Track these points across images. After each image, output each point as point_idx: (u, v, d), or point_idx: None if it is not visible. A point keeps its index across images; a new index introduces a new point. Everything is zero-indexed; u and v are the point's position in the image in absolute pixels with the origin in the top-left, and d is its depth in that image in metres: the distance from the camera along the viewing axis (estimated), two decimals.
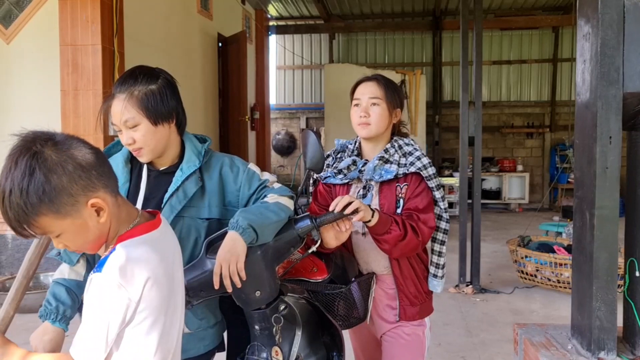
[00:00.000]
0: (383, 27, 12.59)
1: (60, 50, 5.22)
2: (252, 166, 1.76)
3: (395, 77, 10.37)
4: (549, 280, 5.08)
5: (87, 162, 1.12)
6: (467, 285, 5.22)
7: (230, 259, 1.51)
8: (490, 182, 11.19)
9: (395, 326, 1.99)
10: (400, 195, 1.92)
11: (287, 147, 13.29)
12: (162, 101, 1.60)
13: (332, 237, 1.75)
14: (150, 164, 1.71)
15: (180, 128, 1.71)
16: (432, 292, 2.06)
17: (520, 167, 11.40)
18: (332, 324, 1.76)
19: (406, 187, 1.92)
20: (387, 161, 1.95)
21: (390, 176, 1.92)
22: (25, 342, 1.67)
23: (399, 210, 1.91)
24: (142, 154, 1.63)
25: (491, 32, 11.95)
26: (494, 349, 3.80)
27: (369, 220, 1.76)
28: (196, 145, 1.72)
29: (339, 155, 2.09)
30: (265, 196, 1.69)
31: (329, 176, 2.02)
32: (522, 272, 5.27)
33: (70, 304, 1.64)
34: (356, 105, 1.99)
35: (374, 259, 1.99)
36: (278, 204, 1.66)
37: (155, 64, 1.74)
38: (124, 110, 1.57)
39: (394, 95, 2.01)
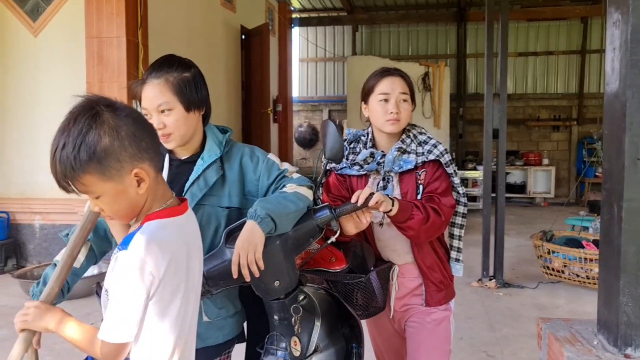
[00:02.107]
0: (407, 18, 12.47)
1: (86, 42, 5.29)
2: (272, 156, 1.77)
3: (418, 69, 10.27)
4: (578, 276, 4.98)
5: (139, 133, 1.17)
6: (490, 280, 5.16)
7: (248, 248, 1.51)
8: (515, 176, 11.03)
9: (422, 311, 1.98)
10: (420, 181, 1.93)
11: (310, 140, 13.29)
12: (196, 89, 1.65)
13: (352, 227, 1.75)
14: (171, 153, 1.73)
15: (206, 119, 1.74)
16: (453, 276, 2.07)
17: (546, 161, 11.20)
18: (351, 315, 1.74)
19: (425, 173, 1.93)
20: (404, 151, 1.95)
21: (410, 166, 1.92)
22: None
23: (419, 196, 1.91)
24: (170, 139, 1.64)
25: (517, 23, 11.74)
26: (517, 344, 3.75)
27: (390, 210, 1.74)
28: (217, 135, 1.74)
29: (351, 145, 2.07)
30: (284, 186, 1.69)
31: (344, 167, 2.01)
32: (548, 267, 5.18)
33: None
34: (384, 100, 1.95)
35: (395, 249, 1.97)
36: (297, 193, 1.65)
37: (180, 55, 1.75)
38: (159, 94, 1.60)
39: (413, 89, 2.04)
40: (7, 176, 5.75)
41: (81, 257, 1.72)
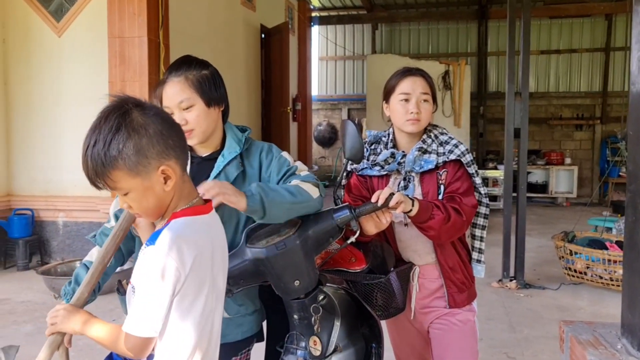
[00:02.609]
0: (427, 16, 12.39)
1: (108, 42, 5.35)
2: (285, 154, 1.78)
3: (439, 67, 10.20)
4: (601, 278, 4.90)
5: (166, 131, 1.21)
6: (511, 280, 5.11)
7: (220, 186, 1.49)
8: (537, 176, 10.89)
9: (446, 312, 1.97)
10: (441, 181, 1.92)
11: (329, 138, 13.28)
12: (215, 85, 1.70)
13: (372, 226, 1.75)
14: (192, 151, 1.75)
15: (225, 116, 1.78)
16: (474, 277, 2.05)
17: (568, 160, 11.04)
18: (371, 315, 1.74)
19: (446, 173, 1.92)
20: (425, 151, 1.95)
21: (431, 166, 1.91)
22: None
23: (440, 197, 1.90)
24: (193, 135, 1.68)
25: (539, 21, 11.59)
26: (538, 345, 3.71)
27: (410, 210, 1.73)
28: (237, 133, 1.78)
29: (372, 147, 2.07)
30: (289, 182, 1.70)
31: (365, 168, 2.00)
32: (570, 269, 5.11)
33: None
34: (405, 100, 1.95)
35: (415, 249, 1.96)
36: (297, 187, 1.64)
37: (199, 55, 1.79)
38: (180, 92, 1.65)
39: (434, 89, 2.03)
40: (32, 174, 5.86)
41: None
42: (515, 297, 4.81)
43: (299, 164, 1.77)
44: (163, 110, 1.27)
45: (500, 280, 5.14)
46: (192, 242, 1.20)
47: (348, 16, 12.72)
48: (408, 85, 1.95)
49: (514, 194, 5.32)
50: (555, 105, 11.89)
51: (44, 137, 5.80)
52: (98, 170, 1.18)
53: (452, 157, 1.91)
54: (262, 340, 1.86)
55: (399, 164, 1.95)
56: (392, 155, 1.96)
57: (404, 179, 1.95)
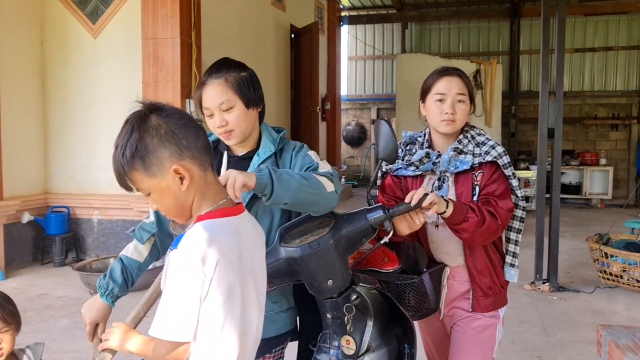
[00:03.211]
0: (458, 15, 12.26)
1: (142, 43, 5.46)
2: (312, 153, 1.79)
3: (470, 67, 10.09)
4: (638, 281, 4.78)
5: (179, 131, 1.21)
6: (544, 283, 5.02)
7: (236, 175, 1.50)
8: (570, 176, 10.67)
9: (467, 316, 1.94)
10: (476, 182, 1.89)
11: (358, 138, 13.26)
12: (253, 87, 1.73)
13: (406, 227, 1.74)
14: (229, 150, 1.80)
15: (261, 117, 1.81)
16: (507, 283, 2.01)
17: (603, 161, 10.78)
18: (403, 315, 1.74)
19: (481, 174, 1.89)
20: (461, 152, 1.93)
21: (466, 166, 1.89)
22: (109, 319, 1.77)
23: (475, 198, 1.88)
24: (232, 136, 1.72)
25: (574, 18, 11.35)
26: (573, 349, 3.64)
27: (444, 212, 1.72)
28: (272, 133, 1.81)
29: (407, 147, 2.06)
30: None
31: (400, 168, 2.00)
32: (605, 272, 5.00)
33: (120, 284, 1.74)
34: (440, 100, 1.93)
35: (447, 251, 1.95)
36: (309, 174, 1.65)
37: (230, 55, 1.83)
38: (221, 93, 1.68)
39: (472, 90, 2.00)
40: (69, 172, 6.01)
41: (144, 252, 1.79)
42: (549, 300, 4.73)
43: (322, 162, 1.77)
44: (181, 111, 1.27)
45: (532, 283, 5.06)
46: (214, 245, 1.18)
47: (378, 15, 12.68)
48: (444, 85, 1.93)
49: (547, 195, 5.23)
50: (590, 104, 11.63)
51: (80, 136, 5.94)
52: (120, 172, 1.23)
53: (489, 158, 1.89)
54: (296, 339, 1.87)
55: (434, 164, 1.94)
56: (427, 155, 1.95)
57: (439, 179, 1.93)
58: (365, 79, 13.33)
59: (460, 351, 1.92)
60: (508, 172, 1.90)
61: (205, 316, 1.18)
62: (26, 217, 5.57)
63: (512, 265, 1.99)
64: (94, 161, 5.85)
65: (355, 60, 13.41)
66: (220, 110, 1.69)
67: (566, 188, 10.29)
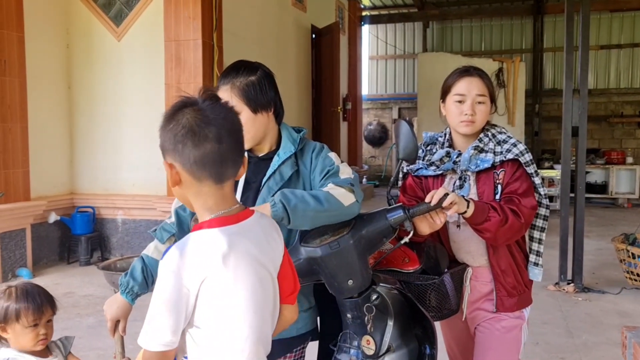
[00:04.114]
0: (480, 13, 12.15)
1: (164, 45, 5.53)
2: (332, 155, 1.78)
3: (492, 65, 9.97)
4: None
5: (180, 136, 1.19)
6: (568, 284, 4.94)
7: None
8: (595, 175, 10.48)
9: (492, 317, 1.93)
10: (498, 181, 1.88)
11: (379, 138, 13.23)
12: (262, 91, 1.71)
13: (426, 227, 1.73)
14: (250, 151, 1.80)
15: (278, 117, 1.80)
16: (531, 282, 1.99)
17: (630, 160, 10.56)
18: (424, 316, 1.73)
19: (503, 172, 1.88)
20: (481, 150, 1.91)
21: (487, 165, 1.87)
22: (133, 318, 1.80)
23: (497, 197, 1.86)
24: None
25: (599, 15, 11.16)
26: (597, 352, 3.58)
27: (465, 212, 1.71)
28: (292, 133, 1.81)
29: (428, 148, 2.05)
30: (325, 185, 1.68)
31: (421, 168, 1.99)
32: (632, 272, 4.90)
33: (140, 282, 1.77)
34: (460, 101, 1.92)
35: (469, 251, 1.94)
36: (327, 194, 1.61)
37: (251, 56, 1.83)
38: (227, 99, 1.66)
39: (493, 90, 1.97)
40: (94, 173, 6.11)
41: (163, 250, 1.82)
42: (573, 301, 4.66)
43: (342, 165, 1.76)
44: (198, 117, 1.20)
45: (556, 284, 4.99)
46: (202, 258, 1.16)
47: (399, 14, 12.63)
48: (463, 86, 1.92)
49: (572, 194, 5.15)
50: (616, 102, 11.42)
51: (105, 137, 6.04)
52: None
53: (510, 156, 1.87)
54: (316, 338, 1.87)
55: (455, 163, 1.93)
56: (448, 154, 1.94)
57: (460, 179, 1.92)
58: (386, 79, 13.28)
59: (486, 353, 1.91)
60: (530, 169, 1.89)
61: (200, 328, 1.18)
62: (53, 217, 5.68)
63: (536, 264, 1.97)
64: (118, 162, 5.95)
65: (376, 60, 13.37)
66: None
67: (592, 187, 10.11)
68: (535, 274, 1.97)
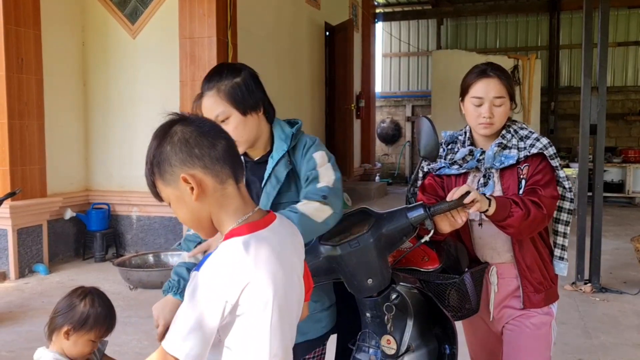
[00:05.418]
0: (495, 10, 12.05)
1: (179, 43, 5.54)
2: (318, 154, 1.71)
3: (507, 62, 9.88)
4: None
5: (193, 140, 1.17)
6: (586, 284, 4.88)
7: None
8: (612, 174, 10.34)
9: (520, 314, 1.91)
10: (522, 176, 1.86)
11: (392, 136, 13.17)
12: (248, 92, 1.66)
13: (447, 225, 1.71)
14: (245, 155, 1.76)
15: (269, 117, 1.75)
16: (557, 277, 1.98)
17: None
18: (444, 315, 1.71)
19: (527, 167, 1.86)
20: (505, 147, 1.89)
21: (512, 161, 1.85)
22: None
23: (520, 192, 1.84)
24: (237, 145, 1.66)
25: (617, 11, 11.01)
26: (616, 352, 3.53)
27: (487, 210, 1.69)
28: (284, 130, 1.75)
29: (449, 147, 2.02)
30: (302, 201, 1.63)
31: (443, 167, 1.97)
32: None
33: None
34: (478, 104, 1.89)
35: (494, 247, 1.92)
36: (299, 216, 1.56)
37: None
38: (214, 105, 1.65)
39: (512, 88, 1.93)
40: (109, 170, 6.15)
41: (200, 256, 1.81)
42: (590, 301, 4.60)
43: (323, 169, 1.67)
44: (203, 121, 1.23)
45: (573, 283, 4.93)
46: (241, 267, 1.12)
47: (413, 12, 12.56)
48: (481, 88, 1.88)
49: (589, 193, 5.09)
50: (634, 100, 11.27)
51: (120, 134, 6.07)
52: (148, 182, 1.23)
53: (534, 150, 1.85)
54: (335, 332, 1.86)
55: (478, 161, 1.90)
56: (471, 152, 1.91)
57: (484, 176, 1.90)
58: (400, 76, 13.22)
59: (517, 351, 1.89)
60: (555, 162, 1.87)
61: (235, 338, 1.15)
62: (69, 214, 5.73)
63: (561, 258, 1.96)
64: (132, 159, 5.97)
65: (390, 57, 13.30)
66: (218, 122, 1.62)
67: (608, 186, 9.96)
68: (561, 268, 1.95)
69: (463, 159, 1.92)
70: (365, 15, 10.76)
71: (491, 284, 1.91)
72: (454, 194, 1.65)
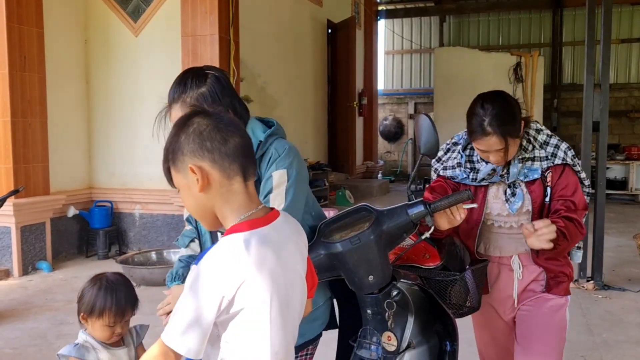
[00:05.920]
0: (497, 7, 12.01)
1: (181, 40, 5.54)
2: (277, 174, 1.61)
3: (510, 59, 9.87)
4: None
5: (207, 133, 1.20)
6: (588, 281, 4.88)
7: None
8: (615, 171, 10.31)
9: (538, 296, 1.95)
10: (547, 184, 1.89)
11: (395, 133, 13.16)
12: (213, 101, 1.60)
13: (445, 222, 1.71)
14: None
15: (242, 120, 1.67)
16: (572, 270, 2.02)
17: None
18: (445, 312, 1.71)
19: (550, 174, 1.89)
20: (527, 159, 1.90)
21: (537, 175, 1.89)
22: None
23: (547, 199, 1.88)
24: None
25: (620, 8, 10.97)
26: (619, 350, 3.53)
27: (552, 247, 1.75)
28: (255, 133, 1.66)
29: (467, 153, 1.99)
30: None
31: (464, 177, 1.96)
32: None
33: None
34: (483, 153, 1.89)
35: (500, 246, 1.98)
36: None
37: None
38: None
39: (516, 125, 1.83)
40: (111, 168, 6.16)
41: (197, 248, 1.82)
42: (593, 298, 4.59)
43: (274, 194, 1.59)
44: (221, 116, 1.23)
45: (576, 281, 4.92)
46: (238, 263, 1.13)
47: (415, 9, 12.53)
48: (482, 145, 1.84)
49: (592, 191, 5.08)
50: (637, 97, 11.24)
51: (122, 132, 6.08)
52: (163, 166, 1.26)
53: (558, 161, 1.89)
54: (333, 327, 1.85)
55: (501, 176, 1.92)
56: (493, 170, 1.91)
57: (509, 186, 1.92)
58: (402, 73, 13.20)
59: (533, 330, 1.92)
60: (577, 167, 1.92)
61: (235, 335, 1.16)
62: (72, 211, 5.74)
63: (578, 247, 2.02)
64: (135, 157, 5.98)
65: (392, 55, 13.29)
66: None
67: (611, 183, 9.94)
68: (578, 256, 2.03)
69: (488, 175, 1.93)
70: (367, 13, 10.74)
71: (514, 271, 1.95)
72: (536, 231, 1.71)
